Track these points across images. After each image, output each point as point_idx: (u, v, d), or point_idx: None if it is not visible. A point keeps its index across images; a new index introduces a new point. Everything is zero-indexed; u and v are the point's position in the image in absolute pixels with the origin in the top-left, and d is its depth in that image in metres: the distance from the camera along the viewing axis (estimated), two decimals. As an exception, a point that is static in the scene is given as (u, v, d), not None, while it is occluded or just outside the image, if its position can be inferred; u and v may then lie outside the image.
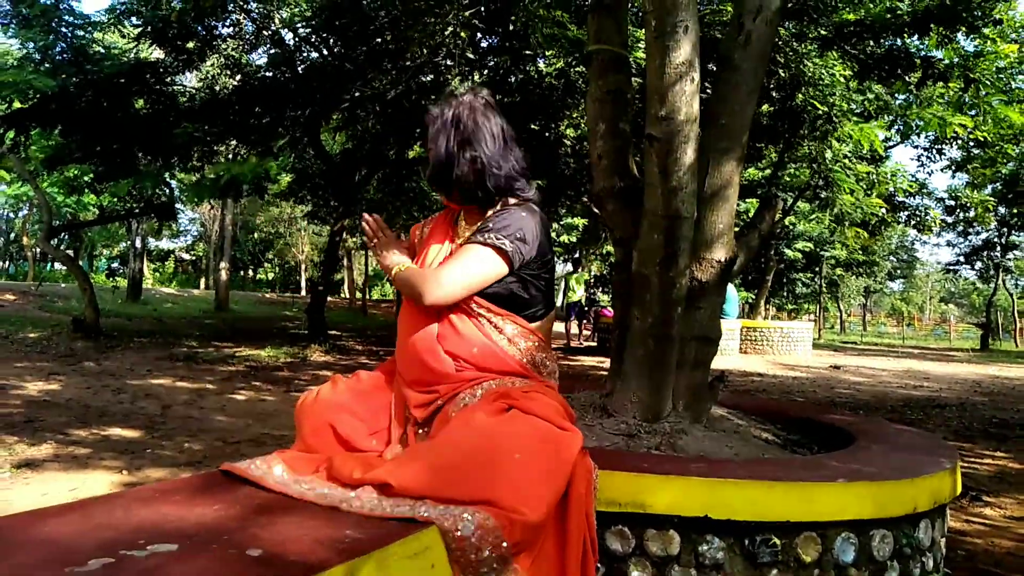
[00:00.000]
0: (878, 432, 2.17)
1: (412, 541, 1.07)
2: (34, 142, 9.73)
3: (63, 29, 8.06)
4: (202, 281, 32.45)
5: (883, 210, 11.85)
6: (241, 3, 8.60)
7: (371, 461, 1.36)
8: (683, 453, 1.84)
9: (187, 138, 8.83)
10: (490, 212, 1.59)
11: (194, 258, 38.26)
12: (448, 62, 7.52)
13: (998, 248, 21.68)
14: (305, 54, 9.29)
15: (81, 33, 8.31)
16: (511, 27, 7.25)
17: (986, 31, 4.72)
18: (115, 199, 11.43)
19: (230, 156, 11.56)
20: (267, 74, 9.34)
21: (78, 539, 1.01)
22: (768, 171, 11.07)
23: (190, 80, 11.50)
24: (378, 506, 1.19)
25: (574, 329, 13.11)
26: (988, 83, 5.06)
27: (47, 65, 8.08)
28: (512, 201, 1.59)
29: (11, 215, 32.26)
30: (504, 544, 1.12)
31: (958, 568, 2.38)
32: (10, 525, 1.06)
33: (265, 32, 9.07)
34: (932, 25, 3.70)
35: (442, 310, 1.52)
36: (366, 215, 1.73)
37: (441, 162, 1.56)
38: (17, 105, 8.32)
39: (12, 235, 33.16)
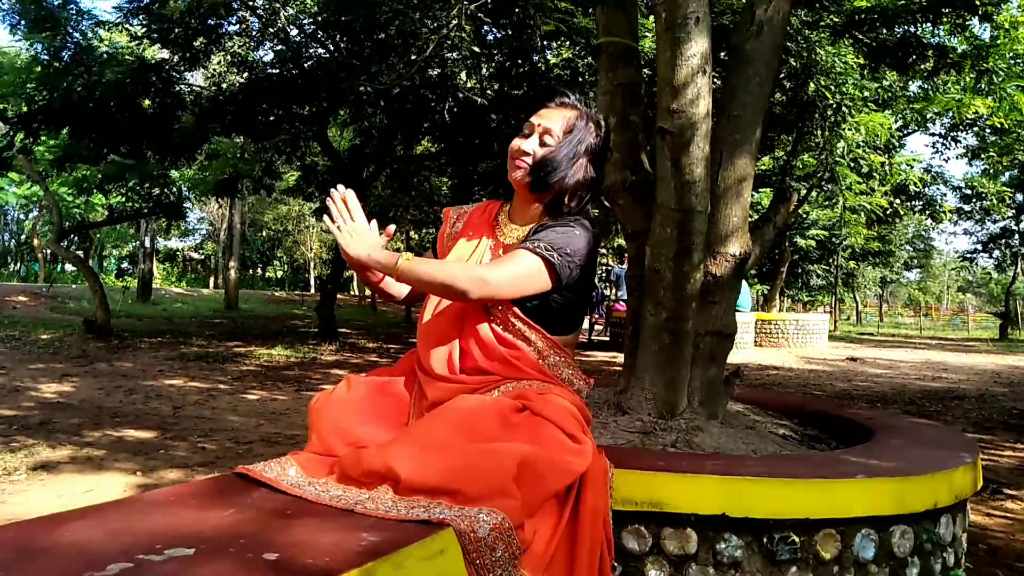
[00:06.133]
0: (897, 426, 2.15)
1: (429, 543, 1.06)
2: (42, 143, 9.78)
3: (70, 30, 8.09)
4: (211, 280, 32.63)
5: (896, 201, 11.67)
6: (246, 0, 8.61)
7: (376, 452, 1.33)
8: (699, 450, 1.82)
9: (188, 136, 8.86)
10: (546, 218, 1.56)
11: (203, 257, 38.47)
12: (455, 55, 7.49)
13: (1016, 236, 21.37)
14: (311, 50, 9.29)
15: (89, 35, 8.34)
16: (515, 18, 7.20)
17: (1000, 18, 4.62)
18: (123, 199, 11.48)
19: (237, 153, 11.62)
20: (273, 71, 9.35)
21: (96, 544, 1.00)
22: (781, 156, 10.87)
23: (196, 78, 11.53)
24: (392, 508, 1.18)
25: (585, 324, 13.10)
26: (1002, 72, 4.97)
27: (57, 65, 8.11)
28: (572, 212, 1.56)
29: (22, 216, 32.56)
30: (515, 542, 1.13)
31: (980, 563, 2.35)
32: (29, 530, 1.06)
33: (271, 29, 9.07)
34: (944, 11, 3.65)
35: (472, 315, 1.48)
36: (338, 189, 1.50)
37: (569, 158, 1.52)
38: (24, 109, 8.38)
39: (23, 236, 33.44)
